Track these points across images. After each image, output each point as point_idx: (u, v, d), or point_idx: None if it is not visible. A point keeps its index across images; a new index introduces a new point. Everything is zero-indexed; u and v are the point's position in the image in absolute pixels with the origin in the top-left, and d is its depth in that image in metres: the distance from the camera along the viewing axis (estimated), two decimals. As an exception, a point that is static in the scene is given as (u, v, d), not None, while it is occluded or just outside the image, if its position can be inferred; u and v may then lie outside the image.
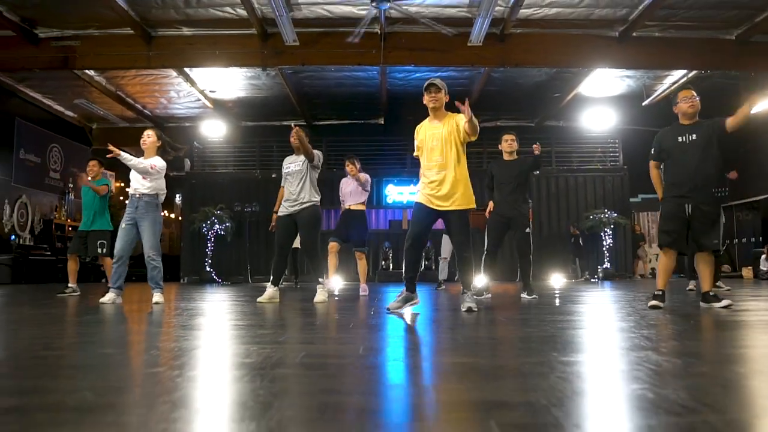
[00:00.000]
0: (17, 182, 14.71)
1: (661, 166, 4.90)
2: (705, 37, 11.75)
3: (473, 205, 4.66)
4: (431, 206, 4.60)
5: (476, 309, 4.50)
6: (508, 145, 6.62)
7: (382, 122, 17.48)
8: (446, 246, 9.87)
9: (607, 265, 15.04)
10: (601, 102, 15.51)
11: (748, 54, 11.84)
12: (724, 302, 4.50)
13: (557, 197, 15.91)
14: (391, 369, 2.11)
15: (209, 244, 15.03)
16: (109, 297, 5.72)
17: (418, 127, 4.80)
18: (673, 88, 14.26)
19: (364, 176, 7.75)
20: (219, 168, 17.11)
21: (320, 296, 5.95)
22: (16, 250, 13.99)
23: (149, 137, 5.99)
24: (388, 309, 4.58)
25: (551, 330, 3.24)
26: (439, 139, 4.64)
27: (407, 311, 4.51)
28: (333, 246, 7.69)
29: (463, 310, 4.48)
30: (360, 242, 7.70)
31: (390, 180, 16.10)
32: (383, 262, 15.18)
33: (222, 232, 14.86)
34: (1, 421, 1.35)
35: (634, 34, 11.52)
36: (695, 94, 4.84)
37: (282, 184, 6.16)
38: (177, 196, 22.03)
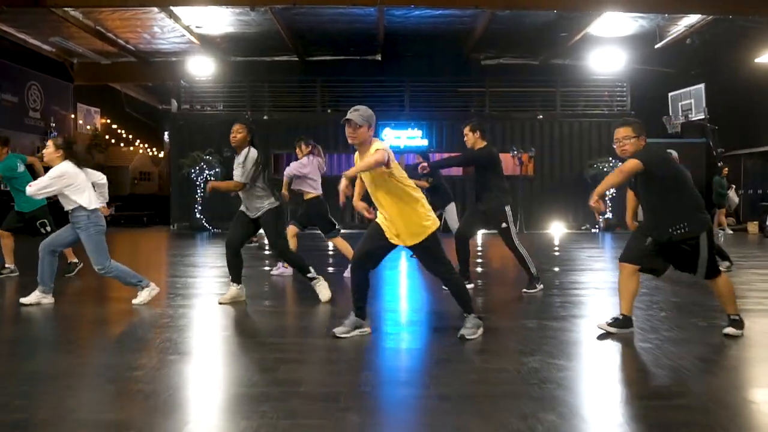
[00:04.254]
0: (-6, 125, 14.00)
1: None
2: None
3: (424, 236, 3.92)
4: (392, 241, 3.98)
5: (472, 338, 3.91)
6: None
7: (380, 58, 16.60)
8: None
9: (609, 215, 14.59)
10: (610, 42, 14.61)
11: (773, -2, 10.98)
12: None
13: (560, 143, 15.28)
14: None
15: (199, 191, 14.50)
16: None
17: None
18: (689, 30, 13.38)
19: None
20: (207, 108, 16.35)
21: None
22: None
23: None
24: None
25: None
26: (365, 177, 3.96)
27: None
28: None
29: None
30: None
31: (387, 123, 15.36)
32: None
33: (212, 178, 14.28)
34: None
35: (651, -26, 10.63)
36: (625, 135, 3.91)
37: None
38: (166, 132, 21.34)
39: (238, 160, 5.08)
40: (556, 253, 9.47)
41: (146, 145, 21.28)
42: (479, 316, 4.04)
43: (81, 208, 4.91)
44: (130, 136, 20.97)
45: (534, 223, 14.76)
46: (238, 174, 5.06)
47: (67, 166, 4.97)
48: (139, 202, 18.00)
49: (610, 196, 14.62)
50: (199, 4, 11.31)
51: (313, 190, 6.59)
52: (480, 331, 3.96)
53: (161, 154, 21.71)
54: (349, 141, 3.87)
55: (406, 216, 3.89)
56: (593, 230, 14.62)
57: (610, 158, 14.51)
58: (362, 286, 4.03)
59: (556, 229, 14.54)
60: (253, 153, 5.07)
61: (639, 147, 3.87)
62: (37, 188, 4.91)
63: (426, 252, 4.01)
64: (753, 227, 13.20)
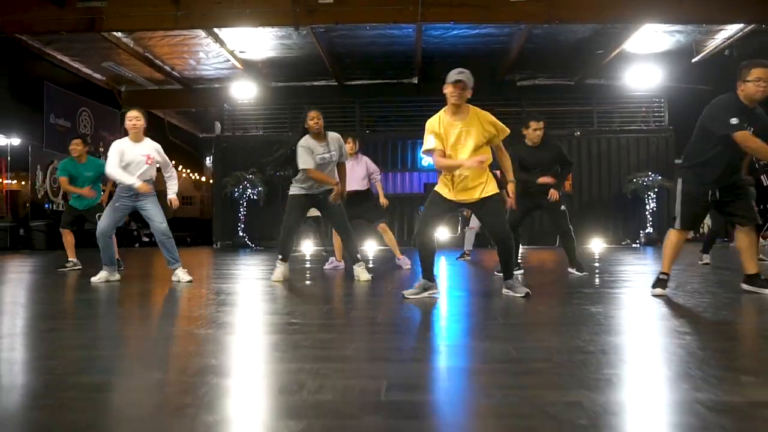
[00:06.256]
0: (48, 147, 14.60)
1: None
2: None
3: (497, 189, 4.28)
4: (454, 199, 4.22)
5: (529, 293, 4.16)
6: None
7: (416, 82, 16.93)
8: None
9: (649, 229, 14.49)
10: (646, 59, 14.71)
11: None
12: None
13: (598, 159, 15.31)
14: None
15: (242, 209, 14.83)
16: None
17: (434, 121, 4.22)
18: (726, 43, 13.42)
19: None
20: (250, 131, 16.81)
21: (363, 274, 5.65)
22: (50, 216, 13.97)
23: (139, 120, 5.48)
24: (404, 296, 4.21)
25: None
26: (471, 136, 4.15)
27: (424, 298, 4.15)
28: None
29: (521, 295, 4.12)
30: (379, 215, 7.27)
31: (424, 142, 15.62)
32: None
33: (254, 197, 14.63)
34: None
35: (691, -16, 10.77)
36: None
37: (312, 167, 5.45)
38: (207, 158, 21.90)
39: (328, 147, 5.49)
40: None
41: (188, 170, 21.85)
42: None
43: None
44: (173, 162, 21.52)
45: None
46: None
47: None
48: (181, 224, 18.44)
49: (650, 211, 14.57)
50: (246, 25, 11.75)
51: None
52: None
53: (202, 179, 22.25)
54: (454, 101, 4.05)
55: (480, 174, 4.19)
56: (634, 245, 14.50)
57: (650, 173, 14.48)
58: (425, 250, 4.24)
59: (596, 245, 14.44)
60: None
61: None
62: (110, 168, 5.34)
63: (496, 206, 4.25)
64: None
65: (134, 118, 5.39)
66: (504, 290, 4.31)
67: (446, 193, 4.22)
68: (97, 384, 1.93)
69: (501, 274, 4.53)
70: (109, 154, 5.34)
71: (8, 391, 1.85)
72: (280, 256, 5.64)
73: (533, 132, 6.01)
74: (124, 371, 2.14)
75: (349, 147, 7.01)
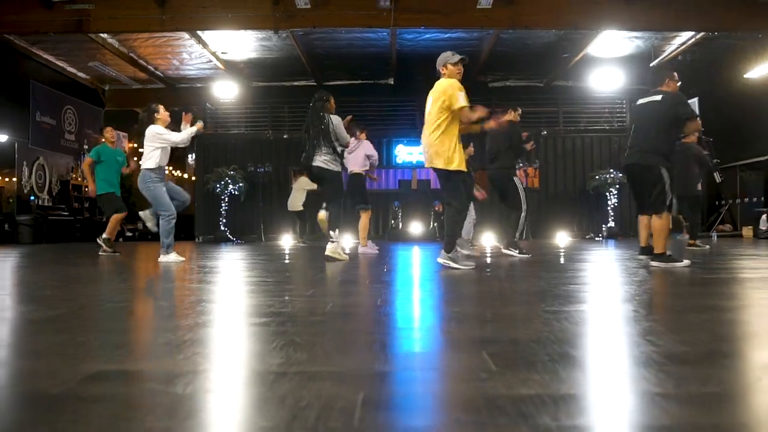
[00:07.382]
0: (34, 144, 15.06)
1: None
2: (715, -4, 11.81)
3: None
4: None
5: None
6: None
7: (392, 82, 17.63)
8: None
9: (611, 224, 15.33)
10: (609, 62, 15.55)
11: (758, 15, 11.87)
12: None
13: (563, 157, 16.12)
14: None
15: (223, 204, 15.41)
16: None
17: (456, 84, 4.82)
18: (681, 48, 14.31)
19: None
20: (231, 129, 17.39)
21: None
22: (35, 210, 14.44)
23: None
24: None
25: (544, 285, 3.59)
26: None
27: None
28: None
29: (470, 268, 4.80)
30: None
31: (400, 140, 16.37)
32: (393, 222, 15.53)
33: (235, 192, 15.22)
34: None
35: (644, -6, 11.59)
36: None
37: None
38: (189, 156, 22.40)
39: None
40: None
41: (170, 168, 22.32)
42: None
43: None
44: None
45: (540, 232, 15.53)
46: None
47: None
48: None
49: (612, 206, 15.42)
50: (228, 28, 12.33)
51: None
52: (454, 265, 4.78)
53: (184, 176, 22.76)
54: (460, 78, 4.86)
55: None
56: (597, 238, 15.33)
57: (611, 170, 15.33)
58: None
59: (561, 238, 15.26)
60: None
61: None
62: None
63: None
64: (748, 232, 13.91)
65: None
66: (443, 260, 4.92)
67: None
68: (117, 308, 2.60)
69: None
70: (161, 132, 6.17)
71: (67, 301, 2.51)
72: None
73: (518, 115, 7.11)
74: (134, 300, 2.81)
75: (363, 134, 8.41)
